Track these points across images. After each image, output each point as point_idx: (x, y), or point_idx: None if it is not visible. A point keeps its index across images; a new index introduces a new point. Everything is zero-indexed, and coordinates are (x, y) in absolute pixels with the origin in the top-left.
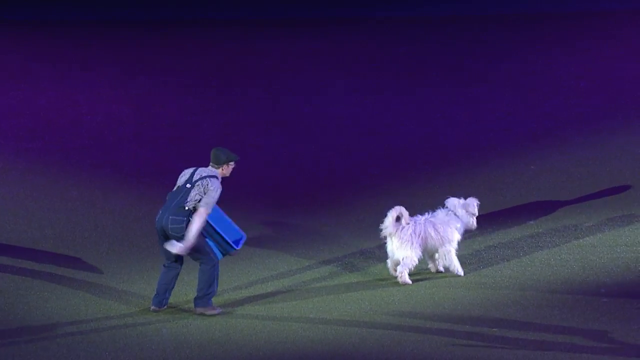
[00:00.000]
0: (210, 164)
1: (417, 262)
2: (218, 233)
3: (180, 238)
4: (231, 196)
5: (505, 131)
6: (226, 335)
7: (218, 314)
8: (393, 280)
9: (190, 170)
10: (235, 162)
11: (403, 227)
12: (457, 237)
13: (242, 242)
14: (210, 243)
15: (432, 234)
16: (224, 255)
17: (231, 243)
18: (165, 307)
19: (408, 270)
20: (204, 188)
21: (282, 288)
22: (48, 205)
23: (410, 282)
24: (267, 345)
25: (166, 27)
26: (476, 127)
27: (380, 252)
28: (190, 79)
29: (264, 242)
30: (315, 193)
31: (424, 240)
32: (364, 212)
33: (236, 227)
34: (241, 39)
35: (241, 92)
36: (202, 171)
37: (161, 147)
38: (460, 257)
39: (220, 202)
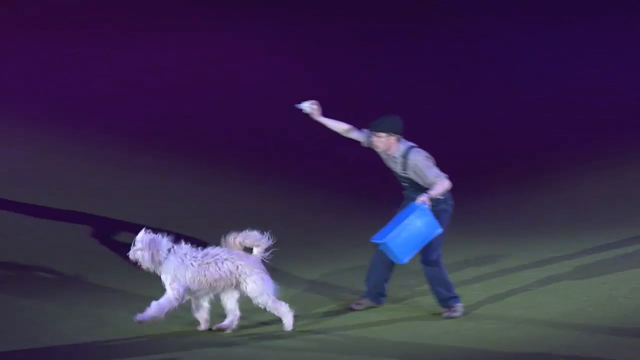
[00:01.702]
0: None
1: None
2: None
3: None
4: None
5: None
6: (416, 333)
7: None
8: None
9: None
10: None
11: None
12: None
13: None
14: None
15: None
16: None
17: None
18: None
19: None
20: None
21: (478, 280)
22: (200, 177)
23: None
24: (459, 346)
25: None
26: None
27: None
28: (367, 27)
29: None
30: (513, 164)
31: None
32: (575, 189)
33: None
34: None
35: (428, 43)
36: None
37: (335, 109)
38: None
39: None
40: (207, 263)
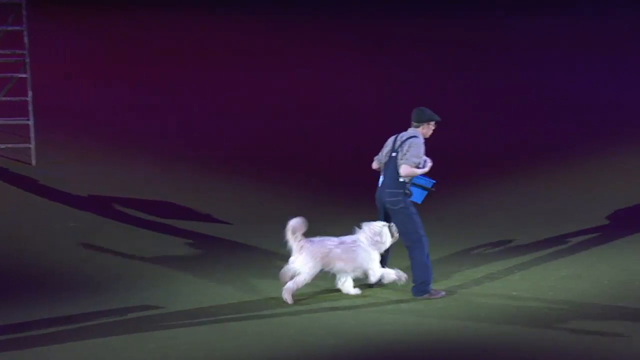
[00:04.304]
0: (412, 123)
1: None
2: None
3: (397, 211)
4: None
5: None
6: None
7: (442, 296)
8: None
9: (392, 138)
10: (436, 123)
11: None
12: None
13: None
14: (412, 188)
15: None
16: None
17: (427, 179)
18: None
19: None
20: (406, 149)
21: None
22: (294, 183)
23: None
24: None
25: (405, 3)
26: None
27: None
28: (433, 56)
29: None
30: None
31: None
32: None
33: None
34: (487, 14)
35: (488, 67)
36: (402, 135)
37: (403, 126)
38: None
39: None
40: None
